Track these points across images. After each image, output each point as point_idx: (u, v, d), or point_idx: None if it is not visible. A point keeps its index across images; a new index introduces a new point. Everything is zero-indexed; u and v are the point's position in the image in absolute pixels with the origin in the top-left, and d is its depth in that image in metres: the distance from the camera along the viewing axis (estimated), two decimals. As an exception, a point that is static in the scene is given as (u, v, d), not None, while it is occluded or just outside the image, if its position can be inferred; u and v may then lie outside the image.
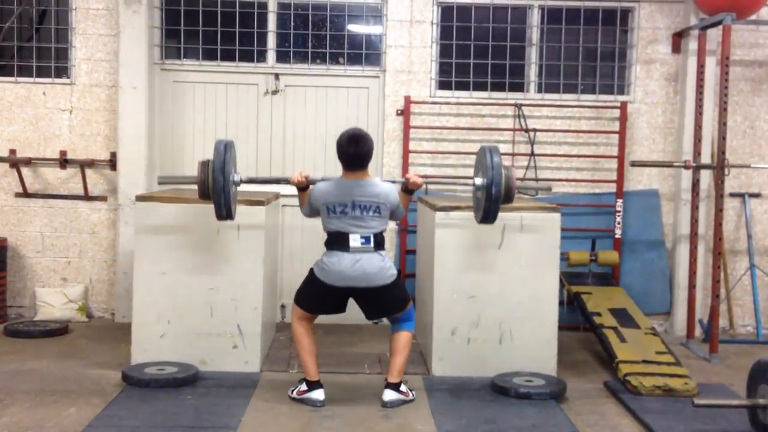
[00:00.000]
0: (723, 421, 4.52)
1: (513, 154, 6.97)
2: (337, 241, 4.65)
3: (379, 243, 4.70)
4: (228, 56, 6.96)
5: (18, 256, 6.93)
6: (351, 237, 4.62)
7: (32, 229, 6.94)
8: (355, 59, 7.02)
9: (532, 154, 6.96)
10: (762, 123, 7.08)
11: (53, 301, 6.76)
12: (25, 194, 6.90)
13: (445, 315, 5.40)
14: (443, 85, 7.04)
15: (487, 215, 4.76)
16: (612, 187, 6.98)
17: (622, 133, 6.91)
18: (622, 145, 6.92)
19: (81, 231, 6.95)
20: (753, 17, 6.60)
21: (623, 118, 6.90)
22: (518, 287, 5.38)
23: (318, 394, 4.74)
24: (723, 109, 6.18)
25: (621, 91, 7.14)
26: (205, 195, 4.69)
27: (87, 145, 6.91)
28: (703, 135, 6.65)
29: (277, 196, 6.22)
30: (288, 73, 6.97)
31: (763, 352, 5.95)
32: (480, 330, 5.38)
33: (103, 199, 6.94)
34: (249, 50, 6.98)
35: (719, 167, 6.27)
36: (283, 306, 6.93)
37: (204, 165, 4.64)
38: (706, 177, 6.79)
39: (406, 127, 6.88)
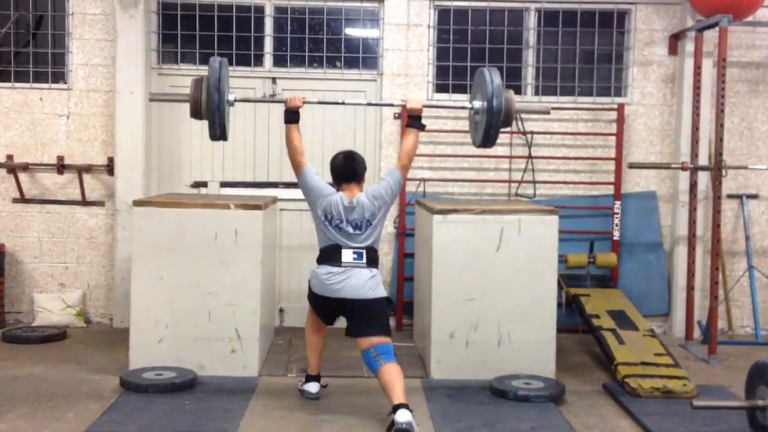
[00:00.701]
0: (722, 423, 4.51)
1: (510, 157, 6.97)
2: (329, 256, 4.63)
3: (372, 260, 4.66)
4: (225, 60, 6.96)
5: (16, 261, 6.92)
6: (344, 252, 4.60)
7: (30, 235, 6.94)
8: (352, 63, 7.02)
9: (530, 156, 6.96)
10: (759, 124, 7.09)
11: (51, 307, 6.75)
12: (23, 200, 6.90)
13: (444, 318, 5.39)
14: (440, 88, 7.04)
15: (488, 136, 4.70)
16: (610, 189, 6.98)
17: (619, 135, 6.91)
18: (619, 147, 6.92)
19: (79, 236, 6.94)
20: (749, 18, 6.60)
21: (620, 120, 6.90)
22: (516, 290, 5.38)
23: (311, 387, 4.88)
24: (720, 111, 6.19)
25: (618, 93, 7.15)
26: (197, 114, 4.57)
27: (84, 150, 6.91)
28: (701, 136, 6.65)
29: (274, 200, 6.22)
30: (285, 77, 6.98)
31: (762, 354, 5.95)
32: (478, 333, 5.38)
33: (100, 204, 6.94)
34: (246, 54, 6.98)
35: (717, 169, 6.27)
36: (281, 310, 6.93)
37: (197, 82, 4.53)
38: (703, 178, 6.80)
39: (403, 131, 6.86)
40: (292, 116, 4.78)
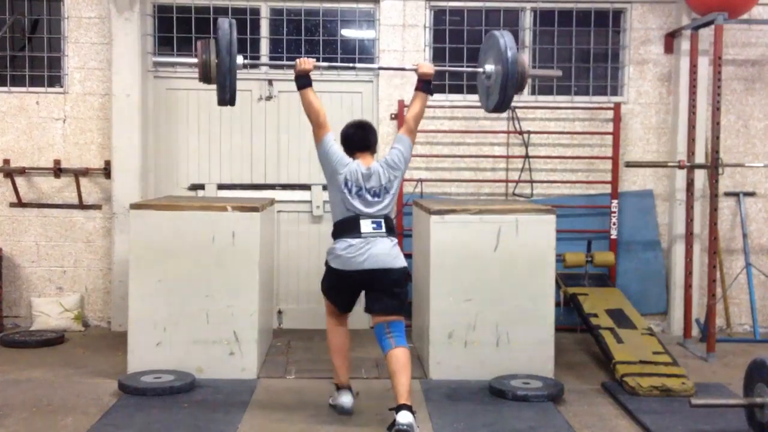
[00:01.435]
0: (721, 421, 4.52)
1: (507, 157, 6.98)
2: (347, 228, 4.55)
3: (391, 228, 4.61)
4: (221, 63, 6.95)
5: (13, 265, 6.92)
6: (362, 222, 4.52)
7: (27, 239, 6.93)
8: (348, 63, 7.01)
9: (527, 156, 6.96)
10: (755, 122, 7.09)
11: (49, 311, 6.74)
12: (20, 204, 6.89)
13: (442, 318, 5.39)
14: (437, 88, 6.98)
15: (502, 101, 4.65)
16: (607, 188, 6.99)
17: (616, 134, 6.92)
18: (616, 146, 6.93)
19: (76, 240, 6.93)
20: (745, 16, 6.62)
21: (617, 119, 6.91)
22: (514, 289, 5.38)
23: (345, 399, 4.65)
24: (716, 109, 6.19)
25: (614, 92, 7.16)
26: (206, 78, 4.44)
27: (81, 154, 6.90)
28: (697, 135, 6.66)
29: (272, 201, 6.22)
30: (281, 78, 6.97)
31: (761, 351, 5.96)
32: (477, 333, 5.38)
33: (97, 207, 6.93)
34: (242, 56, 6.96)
35: (713, 167, 6.28)
36: (279, 312, 6.93)
37: (205, 45, 4.40)
38: (700, 177, 6.80)
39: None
40: (303, 80, 4.63)
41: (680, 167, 6.55)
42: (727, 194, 7.01)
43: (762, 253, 7.09)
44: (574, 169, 7.07)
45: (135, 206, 5.48)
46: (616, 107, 6.92)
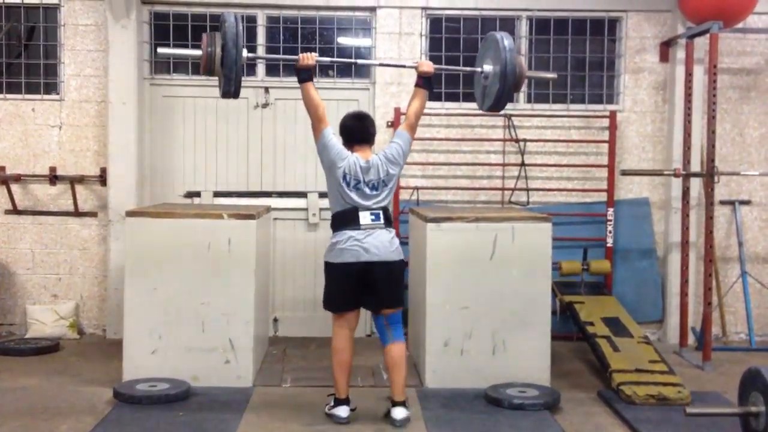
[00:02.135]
0: (717, 429, 4.51)
1: (503, 165, 6.99)
2: (347, 220, 4.63)
3: (389, 219, 4.71)
4: (217, 70, 6.95)
5: (8, 273, 6.89)
6: (361, 214, 4.61)
7: (22, 246, 6.91)
8: (344, 72, 7.02)
9: (523, 164, 6.97)
10: (750, 130, 7.12)
11: (44, 319, 6.72)
12: (15, 211, 6.87)
13: (438, 326, 5.39)
14: (433, 96, 7.02)
15: (499, 101, 4.80)
16: (603, 196, 7.00)
17: (611, 142, 6.93)
18: (612, 154, 6.94)
19: (71, 247, 6.92)
20: (740, 25, 6.64)
21: (613, 128, 6.92)
22: (511, 297, 5.38)
23: (341, 411, 4.66)
24: (711, 117, 6.21)
25: (610, 101, 7.17)
26: (209, 70, 4.49)
27: (77, 161, 6.89)
28: (693, 143, 6.67)
29: (268, 209, 6.21)
30: (278, 86, 6.98)
31: (757, 360, 5.97)
32: (473, 341, 5.37)
33: (93, 214, 6.92)
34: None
35: (709, 175, 6.29)
36: (275, 320, 6.92)
37: (211, 38, 4.46)
38: (696, 185, 6.81)
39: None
40: (304, 74, 4.70)
41: (676, 175, 6.57)
42: (723, 202, 7.02)
43: (757, 261, 7.10)
44: (570, 177, 7.08)
45: (131, 213, 5.48)
46: (612, 115, 6.94)
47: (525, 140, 6.97)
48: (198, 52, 4.53)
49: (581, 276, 6.67)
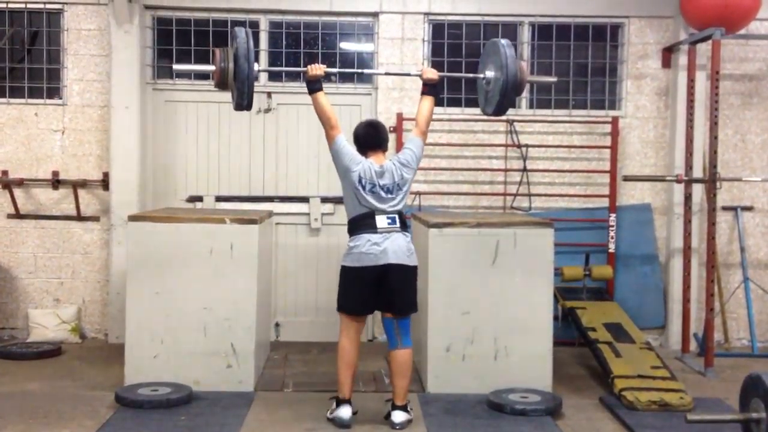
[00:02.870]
0: (718, 436, 4.51)
1: (505, 170, 6.99)
2: (363, 224, 4.68)
3: (404, 223, 4.77)
4: (220, 75, 6.96)
5: (10, 277, 6.90)
6: (378, 218, 4.67)
7: (25, 250, 6.92)
8: (347, 77, 7.02)
9: (525, 169, 6.97)
10: (753, 136, 7.12)
11: (46, 323, 6.72)
12: (18, 215, 6.88)
13: (440, 332, 5.38)
14: (436, 102, 7.03)
15: (501, 106, 4.89)
16: (605, 202, 7.00)
17: (613, 147, 6.93)
18: (614, 160, 6.94)
19: (74, 251, 6.92)
20: (742, 31, 6.64)
21: (615, 133, 6.93)
22: (513, 303, 5.38)
23: (344, 412, 4.67)
24: (714, 123, 6.21)
25: (612, 106, 7.18)
26: (222, 84, 4.64)
27: (79, 166, 6.91)
28: (695, 149, 6.68)
29: (270, 214, 6.21)
30: (280, 91, 6.99)
31: (759, 366, 5.95)
32: (475, 346, 5.37)
33: (95, 219, 6.93)
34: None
35: (711, 181, 6.29)
36: (277, 324, 6.91)
37: (223, 53, 4.60)
38: (698, 191, 6.81)
39: (399, 144, 6.87)
40: (314, 85, 4.80)
41: (678, 181, 6.57)
42: (725, 208, 7.02)
43: (760, 267, 7.09)
44: (572, 182, 7.08)
45: (133, 218, 5.48)
46: (614, 121, 6.94)
47: (527, 146, 6.98)
48: (211, 68, 4.67)
49: (583, 281, 6.67)
